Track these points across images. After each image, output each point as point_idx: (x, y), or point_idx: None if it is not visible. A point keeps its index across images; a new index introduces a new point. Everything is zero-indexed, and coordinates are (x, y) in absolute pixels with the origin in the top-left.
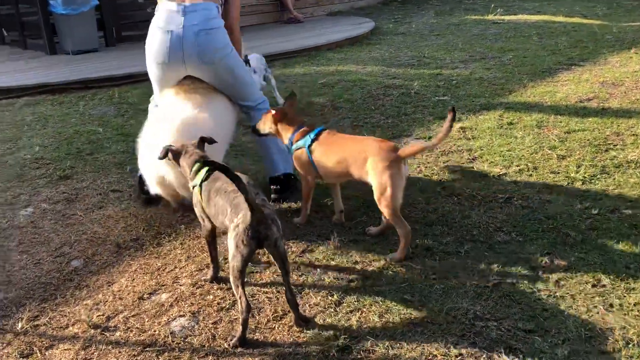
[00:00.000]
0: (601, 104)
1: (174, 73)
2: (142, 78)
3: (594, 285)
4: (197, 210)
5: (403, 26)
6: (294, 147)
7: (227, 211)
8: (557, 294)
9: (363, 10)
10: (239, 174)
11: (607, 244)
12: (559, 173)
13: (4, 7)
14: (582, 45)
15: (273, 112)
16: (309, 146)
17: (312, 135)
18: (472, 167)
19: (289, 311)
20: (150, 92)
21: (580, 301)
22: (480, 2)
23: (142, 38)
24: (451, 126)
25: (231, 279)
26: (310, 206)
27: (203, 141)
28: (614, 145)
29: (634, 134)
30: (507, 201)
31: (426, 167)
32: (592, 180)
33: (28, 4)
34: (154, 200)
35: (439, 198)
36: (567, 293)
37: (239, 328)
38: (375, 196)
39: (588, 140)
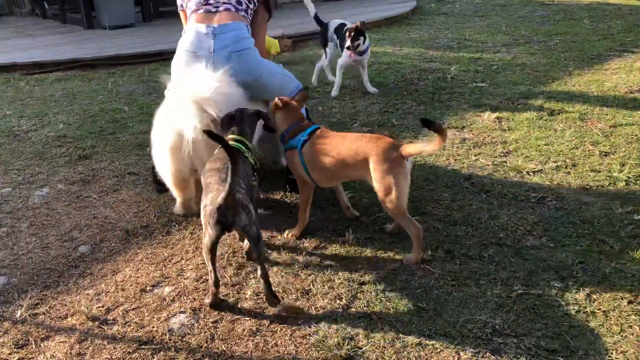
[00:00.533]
0: None
1: None
2: (172, 55)
3: (630, 302)
4: None
5: (446, 6)
6: (285, 146)
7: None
8: (588, 309)
9: None
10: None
11: None
12: (600, 172)
13: None
14: (638, 30)
15: (277, 99)
16: (301, 147)
17: (303, 135)
18: (505, 162)
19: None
20: None
21: (613, 319)
22: None
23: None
24: (443, 133)
25: (203, 254)
26: (321, 204)
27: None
28: None
29: None
30: (540, 201)
31: (455, 160)
32: (638, 181)
33: None
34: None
35: (467, 194)
36: (599, 309)
37: (210, 296)
38: (380, 198)
39: (636, 135)
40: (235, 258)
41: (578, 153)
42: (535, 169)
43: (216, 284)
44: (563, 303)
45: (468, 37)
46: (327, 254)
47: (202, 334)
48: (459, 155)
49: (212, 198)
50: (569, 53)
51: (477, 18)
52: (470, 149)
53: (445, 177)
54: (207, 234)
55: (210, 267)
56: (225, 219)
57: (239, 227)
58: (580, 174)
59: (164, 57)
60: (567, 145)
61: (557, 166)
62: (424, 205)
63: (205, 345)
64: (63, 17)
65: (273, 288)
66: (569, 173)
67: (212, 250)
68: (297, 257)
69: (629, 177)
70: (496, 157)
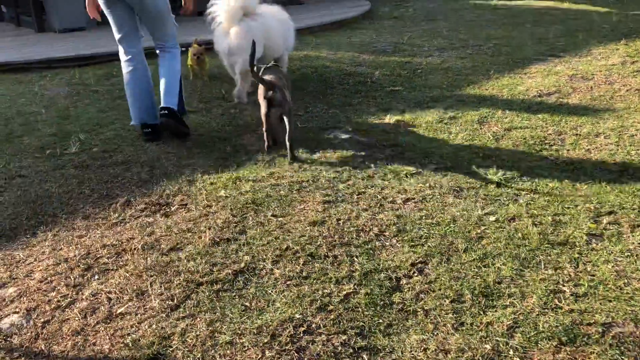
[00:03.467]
0: (560, 100)
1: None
2: (107, 59)
3: (452, 301)
4: None
5: (400, 10)
6: None
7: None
8: (412, 308)
9: None
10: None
11: (488, 260)
12: (476, 174)
13: None
14: (572, 35)
15: None
16: None
17: None
18: (388, 164)
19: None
20: (110, 74)
21: (431, 318)
22: None
23: None
24: None
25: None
26: None
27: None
28: (550, 146)
29: (577, 134)
30: (406, 202)
31: (339, 165)
32: (508, 183)
33: None
34: None
35: (339, 196)
36: (422, 308)
37: (265, 144)
38: None
39: (524, 138)
40: None
41: (461, 155)
42: (414, 172)
43: (268, 146)
44: (388, 302)
45: (406, 42)
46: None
47: (27, 334)
48: (345, 157)
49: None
50: (497, 57)
51: (424, 22)
52: (360, 152)
53: (324, 180)
54: (262, 106)
55: (265, 130)
56: (269, 96)
57: (276, 102)
58: (456, 176)
59: (97, 61)
60: (454, 148)
61: (436, 168)
62: (293, 206)
63: (27, 345)
64: (17, 20)
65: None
66: (445, 175)
67: (267, 118)
68: None
69: (500, 179)
70: (382, 159)
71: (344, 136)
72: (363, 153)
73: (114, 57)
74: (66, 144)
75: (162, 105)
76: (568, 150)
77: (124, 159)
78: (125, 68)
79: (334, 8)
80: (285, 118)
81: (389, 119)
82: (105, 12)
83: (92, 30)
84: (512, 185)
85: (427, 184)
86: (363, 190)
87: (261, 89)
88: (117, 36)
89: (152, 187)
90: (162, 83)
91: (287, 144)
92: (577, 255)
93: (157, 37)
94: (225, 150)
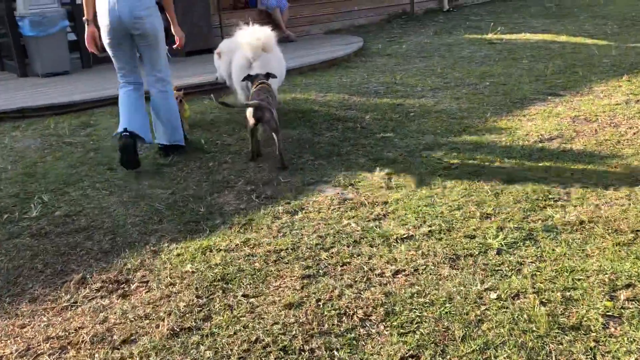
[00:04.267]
0: (562, 145)
1: (119, 33)
2: (85, 106)
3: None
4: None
5: (393, 47)
6: None
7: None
8: None
9: (363, 28)
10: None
11: (490, 352)
12: (474, 237)
13: None
14: (572, 71)
15: None
16: None
17: None
18: (377, 227)
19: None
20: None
21: None
22: (488, 19)
23: None
24: None
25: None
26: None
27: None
28: (555, 201)
29: (584, 186)
30: (395, 275)
31: (325, 224)
32: (510, 249)
33: (1, 25)
34: None
35: (321, 268)
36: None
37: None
38: None
39: (526, 193)
40: None
41: (458, 215)
42: (405, 235)
43: (252, 155)
44: None
45: (398, 81)
46: None
47: None
48: (331, 218)
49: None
50: (494, 97)
51: (418, 60)
52: (346, 212)
53: (305, 248)
54: (249, 123)
55: (250, 141)
56: (256, 115)
57: (263, 120)
58: (452, 240)
59: (75, 109)
60: (449, 206)
61: (430, 231)
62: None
63: None
64: (1, 64)
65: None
66: (440, 239)
67: (251, 133)
68: None
69: (502, 245)
70: (370, 220)
71: (330, 192)
72: (350, 213)
73: (94, 104)
74: (27, 206)
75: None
76: (575, 206)
77: (87, 224)
78: (122, 89)
79: (326, 45)
80: (274, 135)
81: (379, 171)
82: (109, 52)
83: (75, 75)
84: (515, 251)
85: (420, 251)
86: (348, 259)
87: (249, 111)
88: (119, 73)
89: (113, 259)
90: (156, 118)
91: (279, 156)
92: (593, 344)
93: (153, 66)
94: (199, 212)
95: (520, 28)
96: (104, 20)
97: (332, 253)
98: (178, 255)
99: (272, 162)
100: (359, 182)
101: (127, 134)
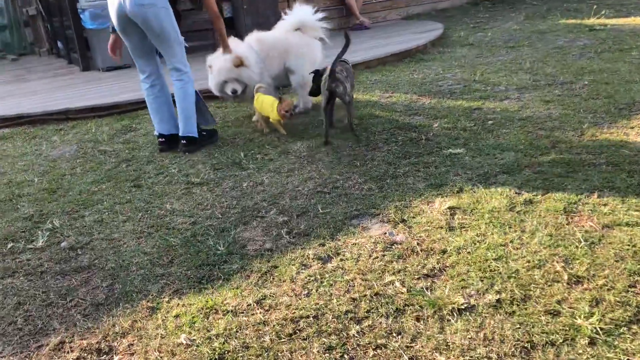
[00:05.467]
0: None
1: (123, 20)
2: (131, 108)
3: None
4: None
5: (477, 34)
6: None
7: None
8: None
9: (445, 13)
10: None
11: None
12: (558, 315)
13: (56, 19)
14: None
15: None
16: None
17: None
18: (427, 290)
19: None
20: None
21: None
22: (590, 0)
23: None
24: None
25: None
26: None
27: None
28: None
29: None
30: None
31: (363, 281)
32: (609, 338)
33: (65, 17)
34: None
35: (338, 347)
36: None
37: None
38: None
39: (634, 246)
40: None
41: (538, 277)
42: (464, 306)
43: (327, 128)
44: None
45: (479, 78)
46: None
47: None
48: (371, 271)
49: (325, 77)
50: (593, 101)
51: (504, 50)
52: (392, 262)
53: (330, 317)
54: (323, 96)
55: (324, 118)
56: (330, 88)
57: (337, 94)
58: (527, 317)
59: (118, 111)
60: (528, 262)
61: (498, 300)
62: None
63: None
64: (68, 57)
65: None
66: (511, 314)
67: (326, 107)
68: None
69: (596, 329)
70: (420, 278)
71: (376, 231)
72: (396, 265)
73: (138, 105)
74: (35, 233)
75: (180, 134)
76: None
77: (89, 262)
78: (143, 86)
79: (402, 33)
80: (347, 107)
81: (440, 203)
82: (124, 40)
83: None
84: (616, 341)
85: (482, 333)
86: (384, 340)
87: (323, 82)
88: (133, 57)
89: (102, 316)
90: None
91: (349, 125)
92: None
93: (167, 57)
94: (217, 251)
95: (628, 10)
96: (112, 6)
97: (365, 328)
98: (176, 317)
99: (322, 177)
100: (414, 217)
101: (163, 139)
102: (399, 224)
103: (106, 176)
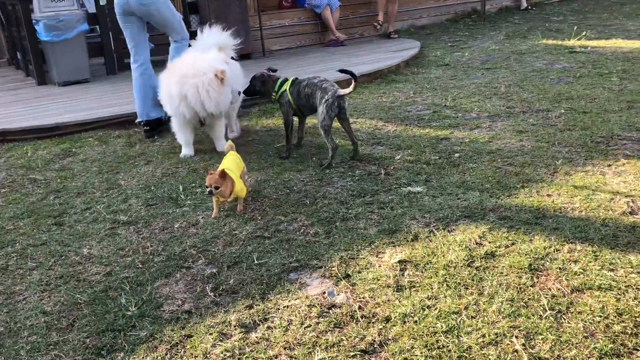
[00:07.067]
0: None
1: (130, 17)
2: (74, 129)
3: None
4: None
5: (454, 53)
6: None
7: (317, 95)
8: None
9: (423, 30)
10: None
11: None
12: None
13: (14, 29)
14: None
15: None
16: None
17: None
18: None
19: None
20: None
21: None
22: (572, 19)
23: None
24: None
25: (323, 133)
26: None
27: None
28: None
29: None
30: None
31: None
32: None
33: (22, 28)
34: None
35: None
36: None
37: (329, 157)
38: None
39: (605, 317)
40: None
41: (493, 358)
42: None
43: (334, 148)
44: None
45: (450, 103)
46: None
47: None
48: (300, 344)
49: (332, 94)
50: (569, 132)
51: (481, 72)
52: (326, 333)
53: None
54: (328, 117)
55: (329, 139)
56: (339, 105)
57: (344, 109)
58: None
59: (63, 132)
60: (483, 336)
61: None
62: None
63: None
64: (26, 69)
65: None
66: None
67: (330, 126)
68: None
69: None
70: (355, 356)
71: (314, 289)
72: (330, 336)
73: (82, 126)
74: None
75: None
76: None
77: None
78: (134, 72)
79: (376, 51)
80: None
81: (391, 255)
82: (122, 26)
83: (96, 83)
84: None
85: None
86: None
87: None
88: (129, 45)
89: None
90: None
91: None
92: None
93: (167, 33)
94: (127, 312)
95: (610, 32)
96: (117, 1)
97: None
98: None
99: (264, 220)
100: (359, 272)
101: (147, 127)
102: (341, 280)
103: (28, 210)
